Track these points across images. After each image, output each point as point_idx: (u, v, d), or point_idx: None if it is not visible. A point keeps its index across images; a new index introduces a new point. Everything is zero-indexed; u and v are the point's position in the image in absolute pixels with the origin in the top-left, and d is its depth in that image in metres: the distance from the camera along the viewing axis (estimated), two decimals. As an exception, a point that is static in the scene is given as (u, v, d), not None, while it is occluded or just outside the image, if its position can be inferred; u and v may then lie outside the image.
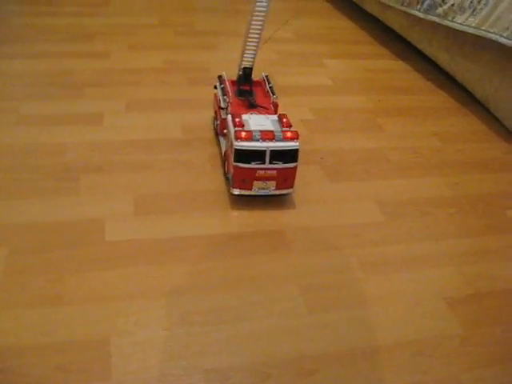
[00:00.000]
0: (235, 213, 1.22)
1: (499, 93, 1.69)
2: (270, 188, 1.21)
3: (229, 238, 1.14)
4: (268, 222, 1.20)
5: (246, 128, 1.18)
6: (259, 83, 1.40)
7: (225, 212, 1.22)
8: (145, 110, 1.56)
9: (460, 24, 1.73)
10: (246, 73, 1.37)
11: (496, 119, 1.73)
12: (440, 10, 1.81)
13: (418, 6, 1.91)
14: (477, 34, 1.68)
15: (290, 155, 1.17)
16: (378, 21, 2.34)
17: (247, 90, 1.36)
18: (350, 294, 1.03)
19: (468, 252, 1.17)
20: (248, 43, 1.29)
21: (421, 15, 1.90)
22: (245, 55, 1.32)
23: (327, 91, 1.77)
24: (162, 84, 1.71)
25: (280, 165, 1.17)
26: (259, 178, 1.19)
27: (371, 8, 2.30)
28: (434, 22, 1.87)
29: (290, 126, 1.20)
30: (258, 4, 1.21)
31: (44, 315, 0.92)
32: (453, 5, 1.75)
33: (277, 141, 1.15)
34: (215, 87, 1.43)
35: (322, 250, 1.13)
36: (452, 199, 1.34)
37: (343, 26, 2.34)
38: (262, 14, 1.23)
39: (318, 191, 1.31)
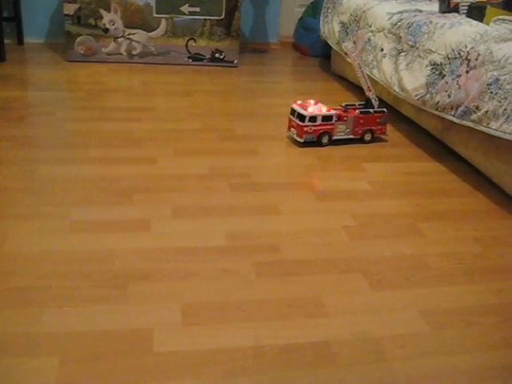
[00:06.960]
0: (278, 323, 1.23)
1: (538, 197, 1.71)
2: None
3: (272, 350, 1.16)
4: (312, 332, 1.21)
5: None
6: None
7: (269, 322, 1.23)
8: (190, 217, 1.62)
9: (495, 130, 1.78)
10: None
11: (536, 222, 1.74)
12: (474, 116, 1.86)
13: (453, 112, 1.97)
14: (512, 139, 1.72)
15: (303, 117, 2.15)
16: (413, 122, 2.41)
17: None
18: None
19: (516, 365, 1.16)
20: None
21: (456, 120, 1.96)
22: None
23: (367, 196, 1.81)
24: (206, 190, 1.77)
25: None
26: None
27: (407, 111, 2.38)
28: (469, 126, 1.92)
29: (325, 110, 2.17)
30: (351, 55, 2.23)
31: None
32: (487, 111, 1.80)
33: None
34: None
35: (368, 362, 1.14)
36: (496, 307, 1.33)
37: (379, 128, 2.42)
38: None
39: (360, 300, 1.33)
